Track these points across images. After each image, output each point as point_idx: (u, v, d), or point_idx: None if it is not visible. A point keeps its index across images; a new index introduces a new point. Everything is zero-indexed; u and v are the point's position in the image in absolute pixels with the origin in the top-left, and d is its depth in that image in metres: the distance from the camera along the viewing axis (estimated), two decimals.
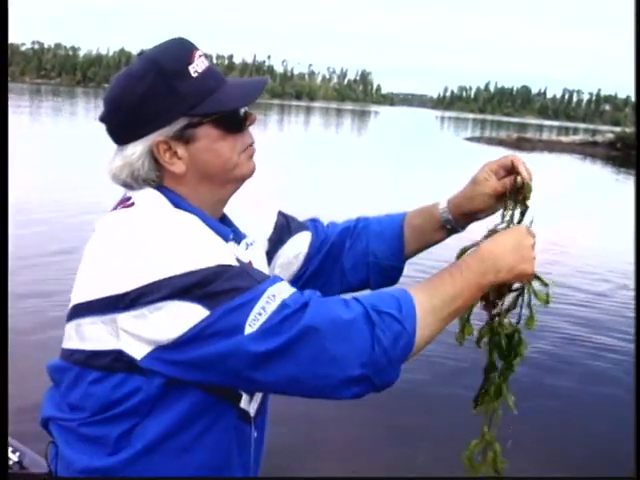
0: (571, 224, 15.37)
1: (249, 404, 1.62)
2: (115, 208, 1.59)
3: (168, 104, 1.52)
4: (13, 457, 1.80)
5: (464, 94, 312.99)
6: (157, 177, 1.57)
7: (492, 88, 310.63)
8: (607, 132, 52.66)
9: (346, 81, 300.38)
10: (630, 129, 44.42)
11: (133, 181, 1.57)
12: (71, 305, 1.51)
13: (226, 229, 1.63)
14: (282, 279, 1.48)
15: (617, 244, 13.05)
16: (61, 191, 13.56)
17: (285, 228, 1.95)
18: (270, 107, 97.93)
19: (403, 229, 1.96)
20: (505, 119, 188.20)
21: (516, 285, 1.68)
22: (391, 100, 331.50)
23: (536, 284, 1.69)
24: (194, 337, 1.35)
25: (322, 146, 33.47)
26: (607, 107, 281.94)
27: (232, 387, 1.49)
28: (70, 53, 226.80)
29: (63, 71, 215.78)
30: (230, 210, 1.75)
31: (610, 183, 27.69)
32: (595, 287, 9.44)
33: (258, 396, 1.67)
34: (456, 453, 1.84)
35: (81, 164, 17.66)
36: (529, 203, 1.73)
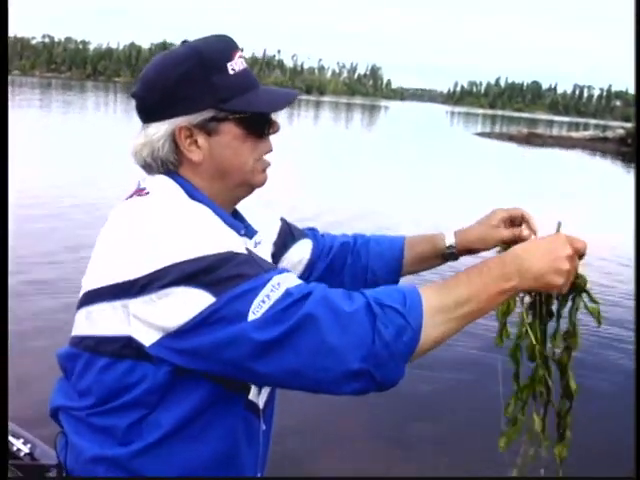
0: (582, 219, 15.33)
1: (258, 396, 1.62)
2: (130, 197, 1.60)
3: (200, 92, 1.55)
4: (24, 448, 1.81)
5: (474, 89, 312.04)
6: (175, 160, 1.60)
7: (502, 83, 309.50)
8: (618, 128, 52.52)
9: (356, 76, 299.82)
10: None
11: (152, 161, 1.60)
12: (82, 292, 1.52)
13: (238, 223, 1.65)
14: (289, 270, 1.48)
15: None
16: (73, 186, 13.59)
17: (288, 234, 1.98)
18: None
19: (403, 252, 2.06)
20: (515, 114, 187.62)
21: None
22: (401, 95, 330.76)
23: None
24: (200, 323, 1.35)
25: (332, 140, 33.46)
26: (618, 103, 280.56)
27: (233, 379, 1.47)
28: (80, 47, 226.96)
29: (73, 65, 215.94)
30: (241, 208, 1.78)
31: (621, 179, 27.59)
32: (604, 279, 9.44)
33: (266, 389, 1.67)
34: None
35: (92, 159, 17.73)
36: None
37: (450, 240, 2.02)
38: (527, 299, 1.66)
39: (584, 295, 1.62)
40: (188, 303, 1.35)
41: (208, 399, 1.49)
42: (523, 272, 1.47)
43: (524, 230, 1.92)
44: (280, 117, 1.68)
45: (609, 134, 46.65)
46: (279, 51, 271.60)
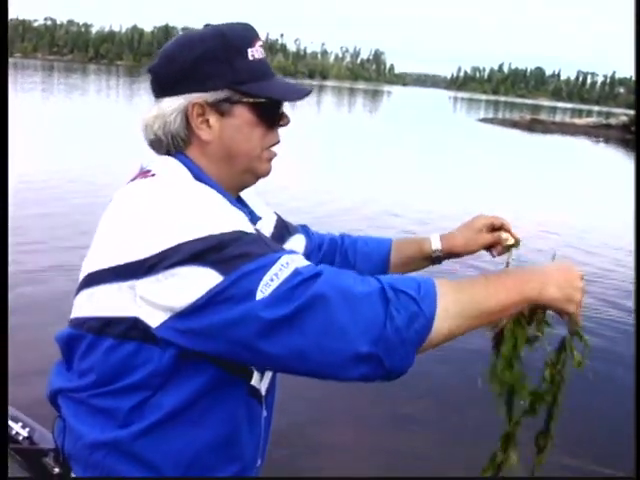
0: (581, 205, 15.33)
1: (260, 382, 1.61)
2: (133, 179, 1.60)
3: (219, 71, 1.57)
4: (23, 432, 1.80)
5: (477, 75, 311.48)
6: (185, 137, 1.61)
7: (506, 69, 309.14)
8: (621, 115, 52.41)
9: (359, 60, 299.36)
10: None
11: (163, 135, 1.61)
12: (85, 274, 1.51)
13: (243, 208, 1.63)
14: (297, 252, 1.46)
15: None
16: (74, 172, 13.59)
17: (284, 228, 1.98)
18: None
19: (390, 255, 2.12)
20: (518, 100, 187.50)
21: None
22: (404, 80, 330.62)
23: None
24: (207, 302, 1.33)
25: (334, 126, 33.45)
26: (621, 90, 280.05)
27: (239, 361, 1.44)
28: (82, 30, 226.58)
29: (75, 48, 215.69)
30: (243, 195, 1.79)
31: (623, 165, 27.56)
32: (602, 263, 9.49)
33: (268, 375, 1.66)
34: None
35: (97, 144, 17.73)
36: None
37: (436, 244, 2.08)
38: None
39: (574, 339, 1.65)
40: (195, 282, 1.34)
41: (211, 383, 1.48)
42: (546, 280, 1.50)
43: (503, 234, 2.01)
44: (284, 103, 1.67)
45: (612, 121, 46.58)
46: (282, 35, 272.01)
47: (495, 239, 2.02)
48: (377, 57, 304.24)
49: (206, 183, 1.55)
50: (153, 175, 1.55)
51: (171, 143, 1.62)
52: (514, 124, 45.73)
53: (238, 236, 1.38)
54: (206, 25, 1.65)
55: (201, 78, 1.57)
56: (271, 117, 1.65)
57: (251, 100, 1.59)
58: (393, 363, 1.33)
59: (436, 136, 34.47)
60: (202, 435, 1.51)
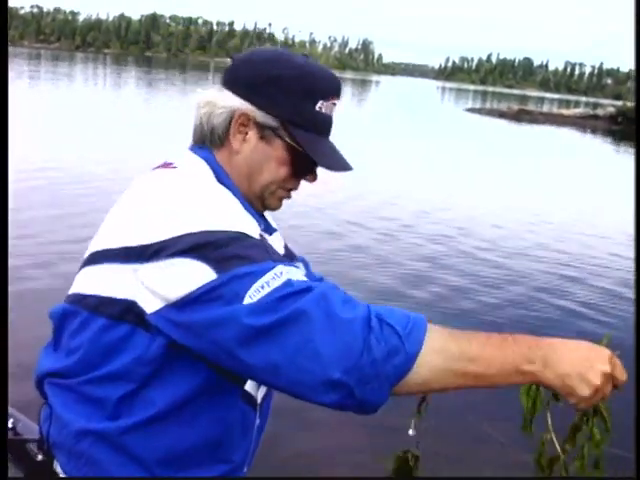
0: (571, 195, 15.38)
1: (256, 389, 1.60)
2: (155, 168, 1.62)
3: (283, 101, 1.59)
4: (7, 423, 1.79)
5: (465, 65, 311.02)
6: (222, 135, 1.62)
7: (494, 59, 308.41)
8: (608, 106, 52.51)
9: (347, 50, 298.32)
10: (632, 103, 44.30)
11: (205, 122, 1.63)
12: (91, 251, 1.53)
13: (258, 217, 1.65)
14: (298, 266, 1.47)
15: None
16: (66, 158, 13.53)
17: (290, 251, 1.94)
18: None
19: None
20: (506, 91, 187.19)
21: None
22: (392, 70, 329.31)
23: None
24: (197, 298, 1.34)
25: None
26: (609, 81, 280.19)
27: (220, 365, 1.40)
28: (69, 17, 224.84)
29: (62, 36, 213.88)
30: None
31: (610, 156, 27.65)
32: (593, 251, 9.55)
33: None
34: None
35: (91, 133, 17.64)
36: None
37: None
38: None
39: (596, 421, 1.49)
40: (190, 275, 1.34)
41: (205, 383, 1.48)
42: (549, 363, 1.34)
43: None
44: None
45: (600, 112, 46.69)
46: (270, 24, 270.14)
47: None
48: (365, 47, 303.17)
49: (228, 187, 1.57)
50: (174, 167, 1.58)
51: (207, 134, 1.63)
52: (501, 114, 45.79)
53: (240, 237, 1.39)
54: (306, 55, 1.68)
55: (265, 96, 1.59)
56: (302, 168, 1.66)
57: (292, 143, 1.61)
58: (364, 395, 1.29)
59: (423, 126, 34.45)
60: (192, 435, 1.51)
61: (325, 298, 1.32)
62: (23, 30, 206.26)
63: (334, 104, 1.66)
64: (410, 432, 1.62)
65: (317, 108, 1.61)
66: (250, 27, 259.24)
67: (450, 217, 11.52)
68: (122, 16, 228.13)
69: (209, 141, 1.64)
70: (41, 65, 61.56)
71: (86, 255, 1.54)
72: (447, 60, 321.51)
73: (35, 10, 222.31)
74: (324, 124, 1.65)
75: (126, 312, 1.43)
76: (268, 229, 1.70)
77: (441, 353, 1.32)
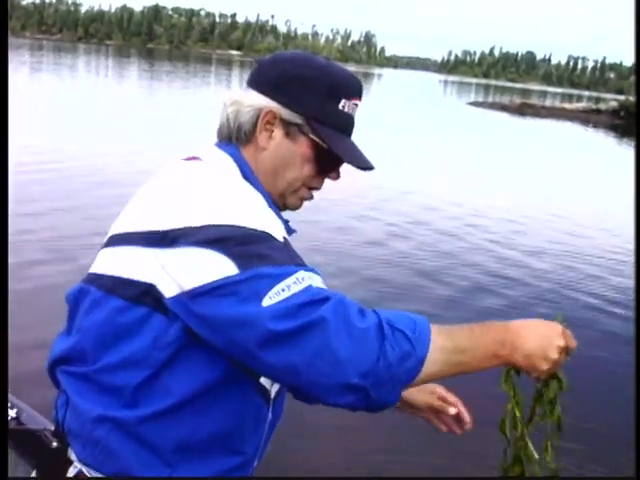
0: (573, 190, 15.39)
1: (271, 384, 1.62)
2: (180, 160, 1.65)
3: (309, 100, 1.63)
4: (11, 413, 1.77)
5: (468, 58, 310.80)
6: (248, 132, 1.65)
7: (497, 53, 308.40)
8: (611, 100, 52.46)
9: (350, 42, 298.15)
10: (634, 98, 44.27)
11: (232, 120, 1.66)
12: (112, 234, 1.55)
13: (280, 217, 1.66)
14: (318, 273, 1.46)
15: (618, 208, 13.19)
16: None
17: None
18: None
19: None
20: (509, 84, 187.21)
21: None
22: (395, 63, 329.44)
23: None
24: (214, 290, 1.35)
25: None
26: (612, 75, 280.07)
27: (233, 358, 1.43)
28: (72, 8, 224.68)
29: (64, 27, 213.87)
30: None
31: (613, 151, 27.64)
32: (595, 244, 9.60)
33: None
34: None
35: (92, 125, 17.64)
36: None
37: None
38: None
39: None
40: (210, 266, 1.36)
41: (220, 374, 1.49)
42: (516, 346, 1.50)
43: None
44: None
45: (602, 106, 46.66)
46: (272, 16, 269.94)
47: (439, 407, 1.95)
48: (368, 39, 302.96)
49: (253, 184, 1.60)
50: (201, 161, 1.62)
51: (234, 131, 1.66)
52: (503, 108, 45.78)
53: (265, 237, 1.41)
54: (327, 58, 1.73)
55: (291, 95, 1.63)
56: (326, 165, 1.70)
57: (316, 139, 1.64)
58: (379, 397, 1.37)
59: (425, 119, 34.44)
60: (205, 425, 1.52)
61: (343, 306, 1.37)
62: (25, 21, 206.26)
63: (356, 105, 1.70)
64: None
65: (340, 107, 1.66)
66: (252, 19, 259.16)
67: (458, 211, 11.53)
68: (124, 7, 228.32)
69: (235, 138, 1.66)
70: (43, 56, 61.54)
71: (109, 235, 1.56)
72: (450, 53, 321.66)
73: (37, 1, 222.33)
74: (347, 123, 1.69)
75: (144, 295, 1.44)
76: (288, 230, 1.70)
77: (442, 352, 1.42)
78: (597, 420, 4.94)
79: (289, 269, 1.37)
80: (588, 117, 42.61)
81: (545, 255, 9.21)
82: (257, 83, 1.67)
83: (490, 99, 60.50)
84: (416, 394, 1.94)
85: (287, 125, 1.64)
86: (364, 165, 1.69)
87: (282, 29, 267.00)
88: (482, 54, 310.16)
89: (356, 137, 1.72)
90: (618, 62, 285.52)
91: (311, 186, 1.72)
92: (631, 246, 9.88)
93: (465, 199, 12.73)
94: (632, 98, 45.30)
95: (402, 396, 1.78)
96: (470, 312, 6.60)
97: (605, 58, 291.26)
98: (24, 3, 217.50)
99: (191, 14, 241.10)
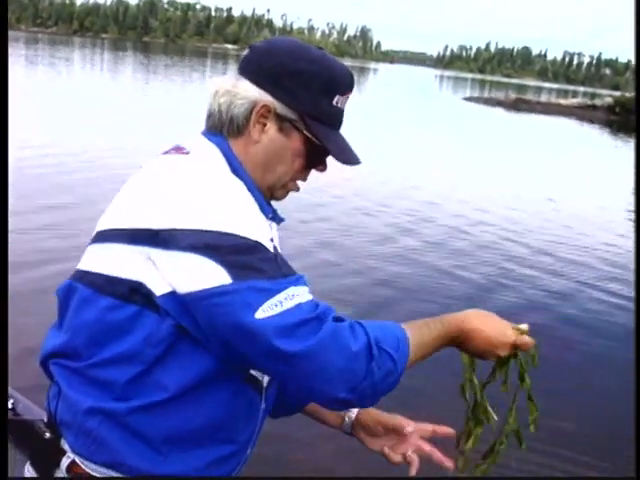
0: (569, 185, 15.42)
1: (262, 374, 1.63)
2: (166, 152, 1.63)
3: (304, 96, 1.62)
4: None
5: (464, 53, 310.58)
6: (241, 125, 1.63)
7: (492, 48, 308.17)
8: (606, 96, 52.52)
9: (346, 37, 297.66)
10: (630, 94, 44.36)
11: (225, 111, 1.63)
12: (98, 230, 1.54)
13: (267, 206, 1.68)
14: (304, 282, 1.49)
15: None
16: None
17: None
18: None
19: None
20: (504, 80, 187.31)
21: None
22: (391, 58, 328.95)
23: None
24: (208, 298, 1.37)
25: None
26: (607, 71, 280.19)
27: (223, 356, 1.48)
28: (67, 1, 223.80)
29: (60, 20, 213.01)
30: None
31: (608, 146, 27.68)
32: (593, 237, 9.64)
33: None
34: None
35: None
36: None
37: (350, 418, 1.94)
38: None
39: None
40: (204, 273, 1.37)
41: (212, 368, 1.50)
42: (467, 344, 1.66)
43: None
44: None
45: (597, 102, 46.68)
46: (268, 10, 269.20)
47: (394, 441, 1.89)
48: (364, 34, 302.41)
49: (242, 179, 1.58)
50: (187, 153, 1.59)
51: (226, 123, 1.64)
52: (499, 103, 45.83)
53: (258, 248, 1.42)
54: (321, 48, 1.71)
55: (287, 89, 1.61)
56: (316, 159, 1.70)
57: (310, 136, 1.64)
58: (360, 404, 1.58)
59: (421, 114, 34.44)
60: (198, 417, 1.53)
61: (337, 330, 1.43)
62: (20, 14, 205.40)
63: (348, 98, 1.70)
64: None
65: (334, 103, 1.65)
66: (248, 13, 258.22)
67: (458, 206, 11.62)
68: (120, 1, 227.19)
69: (226, 129, 1.64)
70: (39, 50, 61.32)
71: (96, 231, 1.56)
72: (445, 48, 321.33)
73: None
74: (338, 118, 1.69)
75: (133, 292, 1.45)
76: (275, 218, 1.73)
77: (412, 356, 1.54)
78: (595, 398, 5.12)
79: (280, 284, 1.40)
80: (583, 113, 42.62)
81: (544, 247, 9.31)
82: (251, 72, 1.64)
83: (486, 94, 60.57)
84: (368, 420, 1.91)
85: (281, 120, 1.63)
86: (354, 162, 1.70)
87: (278, 23, 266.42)
88: (478, 49, 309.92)
89: (352, 131, 1.73)
90: (614, 58, 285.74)
91: (298, 178, 1.73)
92: (625, 241, 9.96)
93: (458, 191, 12.91)
94: (628, 94, 45.33)
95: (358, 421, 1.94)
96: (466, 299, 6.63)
97: (601, 54, 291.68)
98: None
99: (187, 8, 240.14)
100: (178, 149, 1.61)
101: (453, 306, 6.62)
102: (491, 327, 1.67)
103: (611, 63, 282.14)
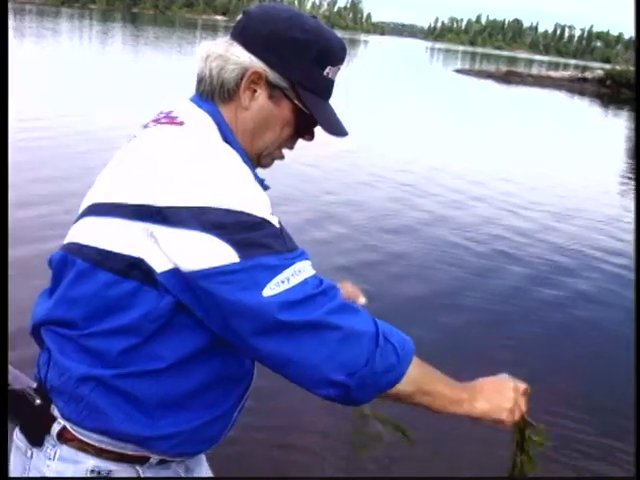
0: (559, 157, 15.49)
1: None
2: (158, 120, 1.60)
3: (297, 65, 1.60)
4: None
5: (455, 26, 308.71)
6: (231, 90, 1.61)
7: (483, 20, 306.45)
8: (597, 69, 52.40)
9: (336, 8, 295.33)
10: (620, 67, 44.31)
11: (215, 76, 1.60)
12: (92, 202, 1.52)
13: (257, 177, 1.64)
14: (307, 256, 1.50)
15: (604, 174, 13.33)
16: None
17: None
18: None
19: None
20: (495, 52, 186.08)
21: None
22: (382, 30, 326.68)
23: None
24: (214, 276, 1.36)
25: None
26: (598, 44, 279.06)
27: (220, 335, 1.47)
28: None
29: None
30: None
31: (599, 119, 27.73)
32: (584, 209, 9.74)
33: None
34: None
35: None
36: None
37: None
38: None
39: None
40: (211, 252, 1.36)
41: (208, 340, 1.51)
42: (472, 408, 1.60)
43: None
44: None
45: (588, 75, 46.54)
46: None
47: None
48: (354, 5, 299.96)
49: (232, 144, 1.56)
50: (181, 123, 1.56)
51: (216, 88, 1.61)
52: (490, 75, 45.66)
53: (264, 224, 1.41)
54: (314, 16, 1.71)
55: (279, 57, 1.59)
56: (304, 128, 1.70)
57: (300, 105, 1.63)
58: (357, 396, 1.46)
59: (411, 86, 34.34)
60: (190, 382, 1.55)
61: (345, 308, 1.44)
62: None
63: (339, 68, 1.69)
64: None
65: (325, 73, 1.64)
66: None
67: (452, 181, 11.63)
68: None
69: (217, 94, 1.62)
70: (27, 21, 60.66)
71: (85, 205, 1.54)
72: (436, 20, 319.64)
73: None
74: (328, 89, 1.68)
75: (132, 268, 1.44)
76: (263, 186, 1.65)
77: (415, 380, 1.52)
78: (594, 373, 5.11)
79: (287, 260, 1.40)
80: (574, 85, 42.52)
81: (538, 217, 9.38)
82: (244, 38, 1.61)
83: (477, 67, 60.29)
84: None
85: (272, 87, 1.61)
86: (341, 133, 1.69)
87: None
88: (469, 21, 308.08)
89: (344, 104, 1.75)
90: (604, 31, 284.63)
91: (285, 147, 1.73)
92: (613, 211, 10.07)
93: (446, 162, 12.93)
94: (618, 67, 45.27)
95: None
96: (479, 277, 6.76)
97: (592, 27, 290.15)
98: None
99: None
100: (170, 117, 1.59)
101: (460, 280, 6.74)
102: (492, 385, 1.65)
103: (602, 35, 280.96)
